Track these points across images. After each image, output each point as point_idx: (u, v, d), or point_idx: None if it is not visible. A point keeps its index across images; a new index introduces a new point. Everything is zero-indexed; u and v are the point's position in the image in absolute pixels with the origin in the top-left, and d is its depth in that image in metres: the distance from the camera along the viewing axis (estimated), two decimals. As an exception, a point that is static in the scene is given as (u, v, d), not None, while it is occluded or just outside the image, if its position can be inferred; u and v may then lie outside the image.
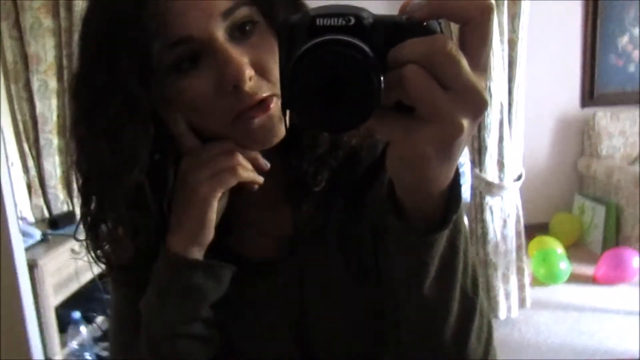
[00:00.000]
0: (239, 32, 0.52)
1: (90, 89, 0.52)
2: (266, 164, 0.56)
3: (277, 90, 0.52)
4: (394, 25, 0.36)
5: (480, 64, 0.36)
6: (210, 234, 0.55)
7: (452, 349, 0.49)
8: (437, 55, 0.34)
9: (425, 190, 0.40)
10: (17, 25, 2.57)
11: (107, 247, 0.59)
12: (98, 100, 0.51)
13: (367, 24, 0.36)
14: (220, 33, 0.50)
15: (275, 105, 0.52)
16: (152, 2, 0.48)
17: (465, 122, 0.36)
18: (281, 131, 0.53)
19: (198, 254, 0.56)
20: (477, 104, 0.36)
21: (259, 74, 0.51)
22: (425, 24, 0.36)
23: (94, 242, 0.58)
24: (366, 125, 0.36)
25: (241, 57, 0.50)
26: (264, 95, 0.51)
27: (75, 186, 0.58)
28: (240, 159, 0.54)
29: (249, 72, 0.50)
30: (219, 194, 0.54)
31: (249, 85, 0.50)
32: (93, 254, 0.59)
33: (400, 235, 0.44)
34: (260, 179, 0.56)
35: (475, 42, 0.36)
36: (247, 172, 0.54)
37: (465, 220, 0.53)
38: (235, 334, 0.60)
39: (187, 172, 0.54)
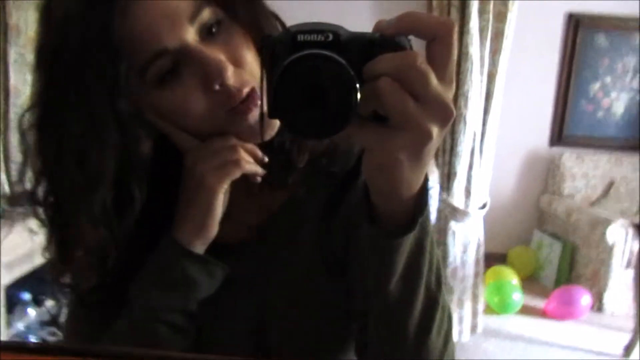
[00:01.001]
0: (208, 32, 0.54)
1: (58, 114, 0.53)
2: (264, 157, 0.58)
3: (258, 80, 0.55)
4: (369, 42, 0.39)
5: (447, 77, 0.39)
6: (215, 227, 0.57)
7: (415, 340, 0.51)
8: (408, 69, 0.37)
9: (397, 194, 0.43)
10: (0, -6, 2.51)
11: (72, 272, 0.59)
12: (67, 125, 0.52)
13: (343, 40, 0.39)
14: (191, 37, 0.52)
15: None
16: (118, 25, 0.49)
17: (434, 130, 0.39)
18: (276, 123, 0.56)
19: (200, 248, 0.57)
20: (444, 113, 0.39)
21: (237, 66, 0.54)
22: (396, 40, 0.39)
23: (60, 266, 0.58)
24: (346, 133, 0.39)
25: (218, 55, 0.52)
26: (249, 86, 0.54)
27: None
28: (243, 152, 0.56)
29: (230, 67, 0.52)
30: (225, 185, 0.56)
31: (232, 79, 0.52)
32: (58, 280, 0.60)
33: (371, 236, 0.47)
34: (262, 171, 0.58)
35: (441, 57, 0.39)
36: (249, 164, 0.57)
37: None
38: (201, 317, 0.61)
39: (192, 165, 0.56)
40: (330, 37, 0.38)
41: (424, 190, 0.45)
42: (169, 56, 0.52)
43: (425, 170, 0.43)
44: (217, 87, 0.52)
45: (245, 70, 0.54)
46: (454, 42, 0.40)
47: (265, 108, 0.42)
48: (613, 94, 3.78)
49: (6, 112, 2.57)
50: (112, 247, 0.56)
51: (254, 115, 0.54)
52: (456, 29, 0.40)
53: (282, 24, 0.62)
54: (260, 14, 0.59)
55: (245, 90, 0.54)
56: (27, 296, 2.19)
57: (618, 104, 3.79)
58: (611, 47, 3.70)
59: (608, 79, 3.75)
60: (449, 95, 0.39)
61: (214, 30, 0.54)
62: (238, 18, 0.56)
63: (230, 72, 0.52)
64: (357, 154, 0.64)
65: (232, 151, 0.56)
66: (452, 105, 0.39)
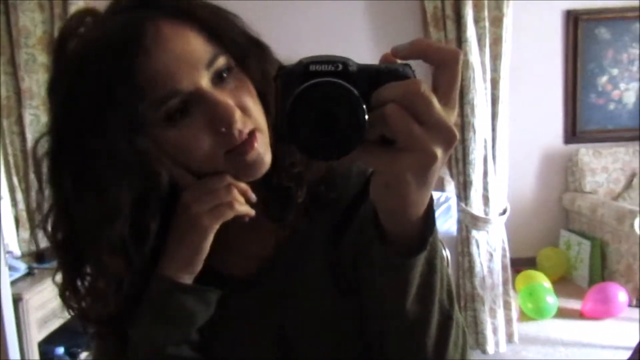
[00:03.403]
0: (219, 78, 0.57)
1: (76, 146, 0.55)
2: (254, 197, 0.61)
3: (257, 124, 0.58)
4: (376, 72, 0.42)
5: (450, 102, 0.42)
6: (201, 261, 0.59)
7: (434, 356, 0.53)
8: (412, 95, 0.39)
9: (404, 214, 0.45)
10: (12, 60, 2.62)
11: (86, 301, 0.61)
12: (85, 158, 0.55)
13: (352, 70, 0.41)
14: (205, 82, 0.55)
15: (259, 138, 0.58)
16: (141, 64, 0.52)
17: (439, 152, 0.41)
18: (268, 161, 0.59)
19: (188, 279, 0.59)
20: (447, 136, 0.41)
21: (241, 111, 0.56)
22: (401, 70, 0.42)
23: (74, 295, 0.61)
24: (356, 155, 0.41)
25: (228, 100, 0.55)
26: (250, 129, 0.57)
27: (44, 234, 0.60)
28: (236, 193, 0.58)
29: (238, 113, 0.55)
30: (217, 226, 0.58)
31: (238, 123, 0.55)
32: (72, 308, 0.62)
33: (385, 257, 0.49)
34: (252, 212, 0.60)
35: (446, 83, 0.42)
36: (242, 206, 0.59)
37: (448, 253, 0.57)
38: (217, 351, 0.62)
39: (188, 204, 0.58)
40: (340, 67, 0.41)
41: (430, 210, 0.47)
42: (181, 97, 0.54)
43: (431, 191, 0.45)
44: (223, 129, 0.55)
45: (248, 115, 0.57)
46: (459, 70, 0.42)
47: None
48: (622, 85, 3.74)
49: (25, 173, 2.65)
50: (128, 275, 0.58)
51: (252, 155, 0.57)
52: (462, 58, 0.42)
53: None
54: (268, 63, 0.61)
55: (246, 132, 0.56)
56: (61, 350, 2.22)
57: (629, 94, 3.75)
58: (613, 38, 3.68)
59: (615, 71, 3.72)
60: (451, 119, 0.41)
61: (224, 75, 0.57)
62: (247, 67, 0.59)
63: (237, 116, 0.55)
64: (356, 178, 0.66)
65: (226, 192, 0.58)
66: (454, 129, 0.41)
